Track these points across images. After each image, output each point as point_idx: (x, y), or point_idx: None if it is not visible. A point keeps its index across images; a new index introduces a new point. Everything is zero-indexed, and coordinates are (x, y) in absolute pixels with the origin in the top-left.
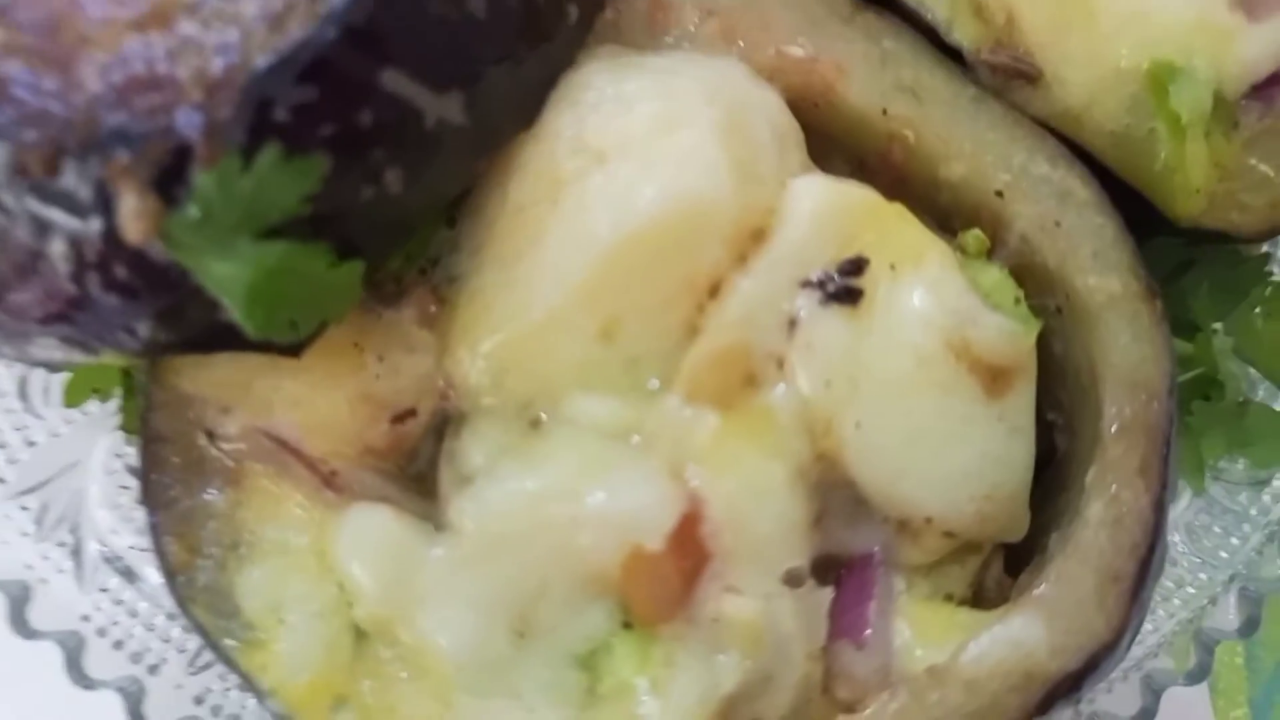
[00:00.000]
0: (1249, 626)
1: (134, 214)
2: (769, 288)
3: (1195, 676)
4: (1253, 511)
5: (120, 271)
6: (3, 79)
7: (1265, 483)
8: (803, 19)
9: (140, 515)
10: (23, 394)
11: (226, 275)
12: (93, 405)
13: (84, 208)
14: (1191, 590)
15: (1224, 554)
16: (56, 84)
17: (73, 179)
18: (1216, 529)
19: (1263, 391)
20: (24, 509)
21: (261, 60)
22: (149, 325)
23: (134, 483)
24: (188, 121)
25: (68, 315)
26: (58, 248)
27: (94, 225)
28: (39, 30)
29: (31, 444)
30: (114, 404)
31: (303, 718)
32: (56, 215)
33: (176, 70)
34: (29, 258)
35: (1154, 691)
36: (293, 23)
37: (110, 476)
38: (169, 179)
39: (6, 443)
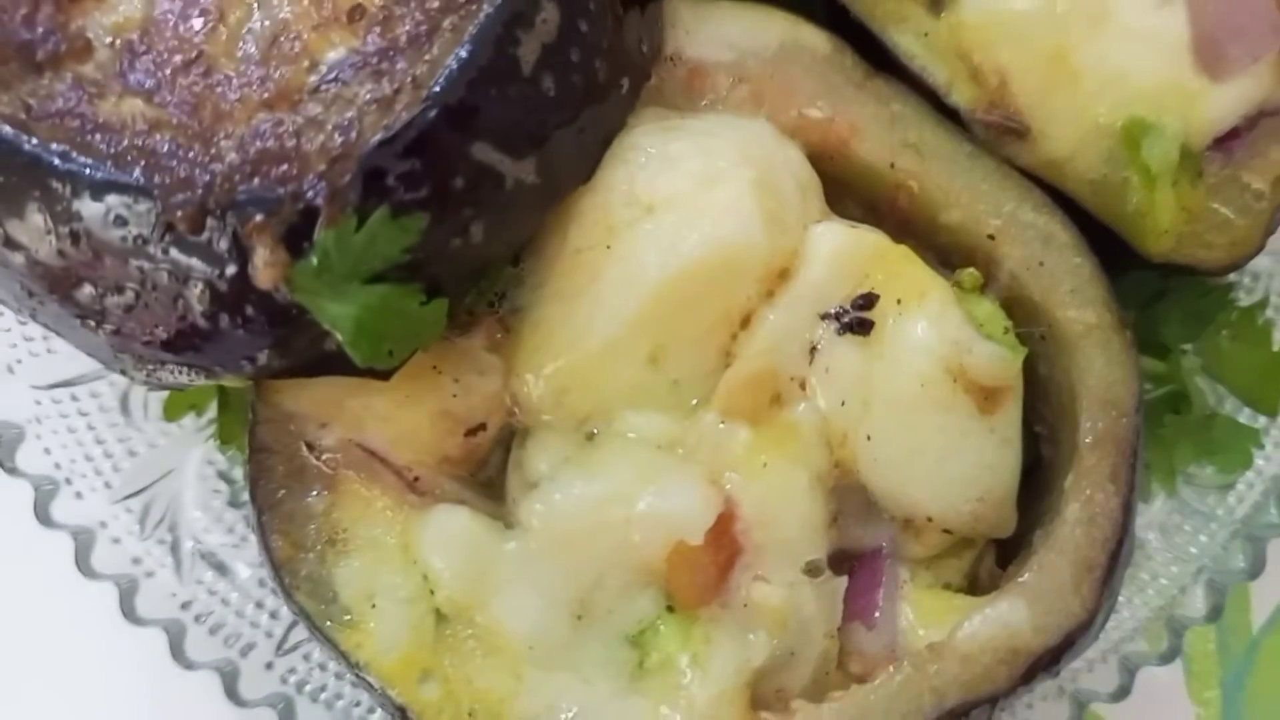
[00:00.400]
0: (1214, 613)
1: (265, 264)
2: (793, 320)
3: (1167, 658)
4: (1219, 512)
5: (248, 310)
6: (154, 151)
7: (1230, 486)
8: (821, 85)
9: (230, 516)
10: (125, 409)
11: (339, 314)
12: (186, 419)
13: (221, 258)
14: (1164, 581)
15: (1193, 549)
16: (200, 155)
17: (213, 235)
18: (1187, 527)
19: (1229, 405)
20: (129, 511)
21: (375, 137)
22: (266, 354)
23: (224, 487)
24: (313, 188)
25: (199, 347)
26: (195, 290)
27: (229, 272)
28: (183, 109)
29: (133, 454)
30: (206, 418)
31: (394, 688)
32: (196, 264)
33: (303, 144)
34: (170, 299)
35: (1129, 671)
36: (399, 105)
37: (203, 482)
38: (295, 235)
39: (111, 453)
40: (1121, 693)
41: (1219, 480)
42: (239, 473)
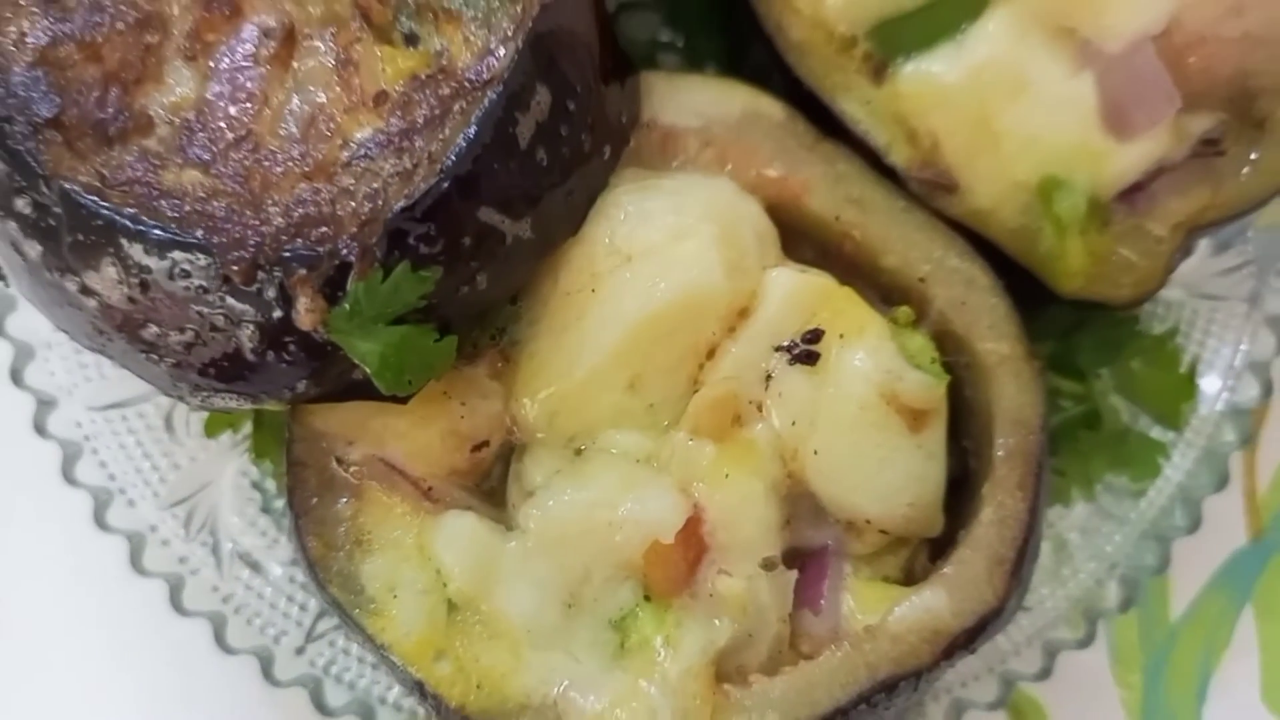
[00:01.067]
0: (1126, 604)
1: (306, 310)
2: (751, 352)
3: (1084, 643)
4: (1131, 516)
5: (291, 348)
6: (212, 215)
7: (1142, 493)
8: (777, 147)
9: (262, 521)
10: (169, 427)
11: (367, 350)
12: (224, 436)
13: (269, 305)
14: (1083, 576)
15: (1109, 548)
16: (251, 219)
17: (262, 286)
18: (1104, 529)
19: (1141, 422)
20: (174, 517)
21: (397, 204)
22: (304, 383)
23: (257, 496)
24: (347, 247)
25: (247, 378)
26: (246, 331)
27: (275, 316)
28: (236, 179)
29: (177, 467)
30: (241, 435)
31: (413, 666)
32: (248, 309)
33: (337, 210)
34: (225, 338)
35: (1050, 654)
36: (418, 176)
37: (238, 491)
38: (332, 285)
39: (158, 466)
40: (1044, 673)
41: (1132, 488)
42: (270, 483)
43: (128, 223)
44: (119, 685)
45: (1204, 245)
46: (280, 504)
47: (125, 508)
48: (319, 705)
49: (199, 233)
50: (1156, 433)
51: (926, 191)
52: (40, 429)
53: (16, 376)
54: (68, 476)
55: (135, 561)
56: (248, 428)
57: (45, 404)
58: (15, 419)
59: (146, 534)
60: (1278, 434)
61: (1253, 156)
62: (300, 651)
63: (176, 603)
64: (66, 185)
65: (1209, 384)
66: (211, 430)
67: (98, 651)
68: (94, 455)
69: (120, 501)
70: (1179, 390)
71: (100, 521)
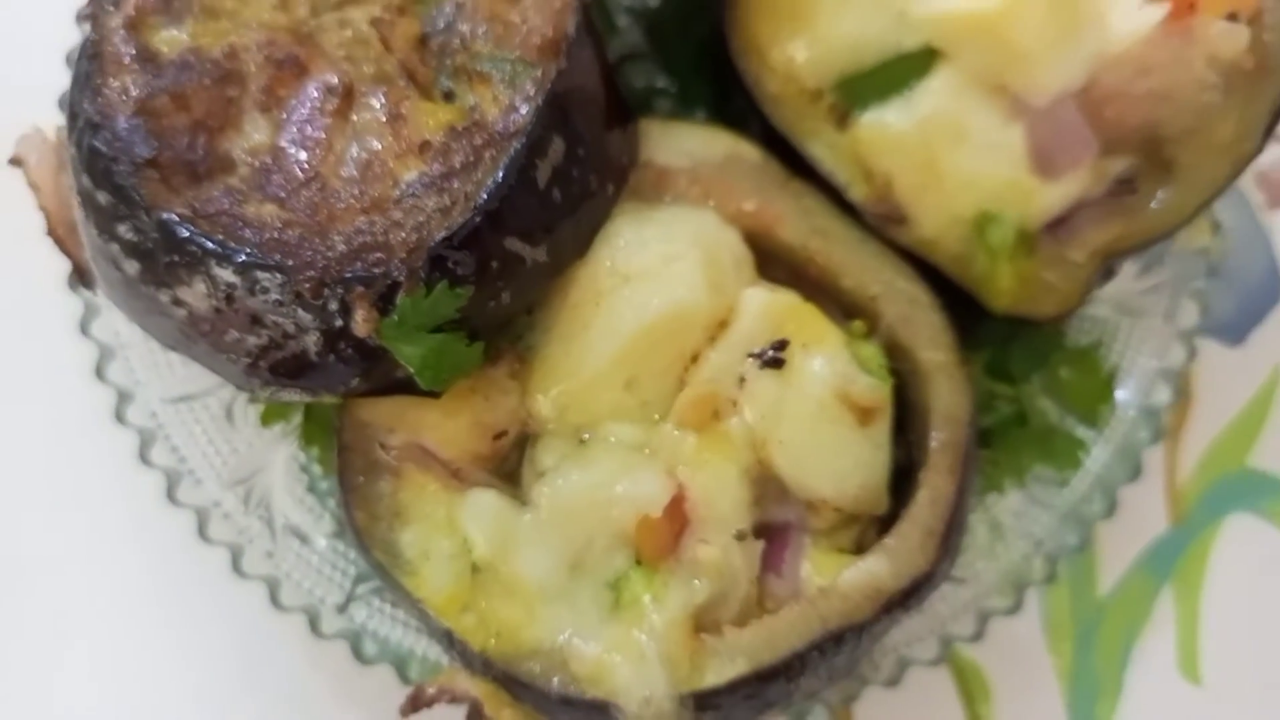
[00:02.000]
0: (1049, 577)
1: (362, 320)
2: (729, 358)
3: (1012, 610)
4: (1056, 502)
5: (348, 351)
6: (286, 242)
7: (1066, 483)
8: (754, 185)
9: (309, 499)
10: (229, 418)
11: (410, 353)
12: (277, 426)
13: (332, 316)
14: (1014, 553)
15: (1036, 529)
16: (319, 245)
17: (327, 300)
18: (1032, 513)
19: (1066, 421)
20: (234, 494)
21: (439, 235)
22: (357, 380)
23: (304, 477)
24: (397, 270)
25: (311, 375)
26: (312, 337)
27: (336, 325)
28: (305, 212)
29: (236, 451)
30: (292, 424)
31: (443, 617)
32: (314, 320)
33: (390, 239)
34: (293, 344)
35: (983, 619)
36: (456, 212)
37: (289, 473)
38: (384, 300)
39: (220, 450)
40: (977, 636)
41: (1056, 478)
42: (315, 467)
43: (216, 248)
44: (188, 641)
45: (1129, 267)
46: (324, 484)
47: (193, 486)
48: (358, 655)
49: (275, 257)
50: (1079, 431)
51: (880, 223)
52: (120, 418)
53: (100, 372)
54: (144, 459)
55: (202, 532)
56: (297, 418)
57: (124, 397)
58: (98, 409)
59: (211, 509)
60: (1196, 435)
61: (1160, 195)
62: (341, 610)
63: (237, 567)
64: (163, 215)
65: (1128, 389)
66: (266, 420)
67: (167, 612)
68: (166, 441)
69: (188, 481)
70: (1099, 394)
71: (171, 497)
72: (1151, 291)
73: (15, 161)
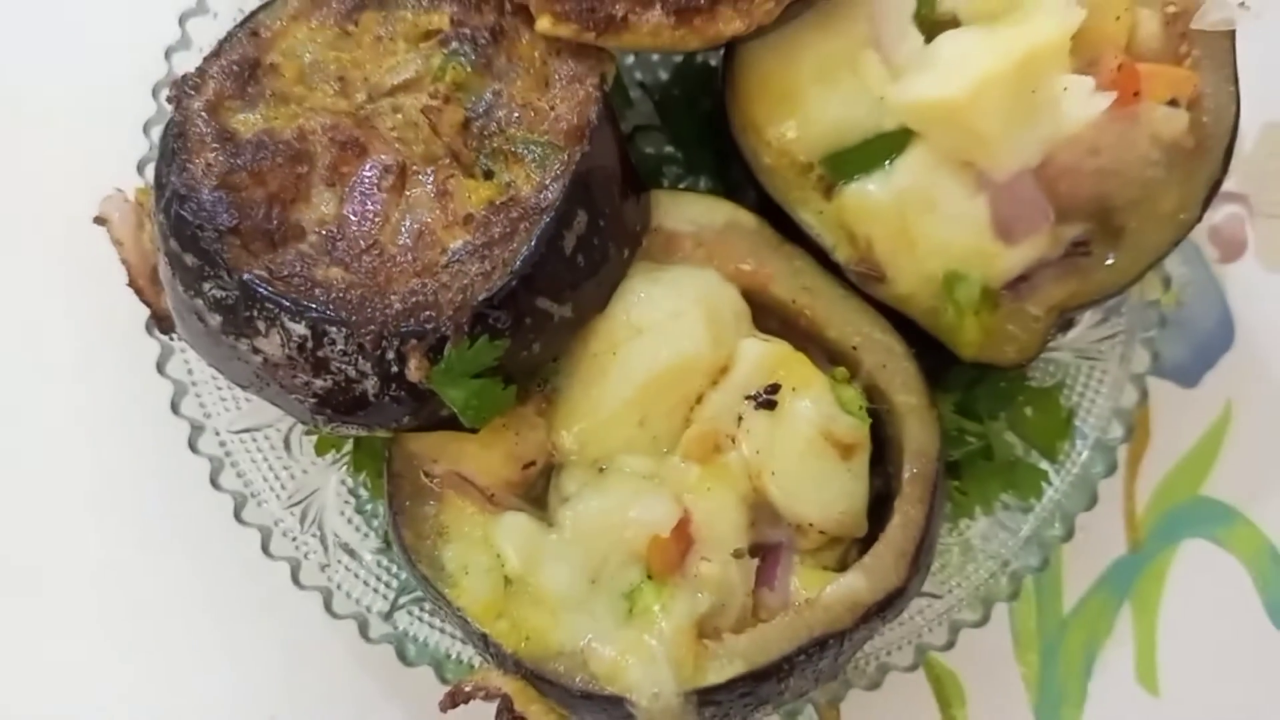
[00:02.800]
0: (1014, 594)
1: (415, 367)
2: (728, 400)
3: (980, 623)
4: (1021, 526)
5: (401, 394)
6: (350, 301)
7: (1029, 509)
8: (750, 248)
9: (357, 519)
10: (287, 447)
11: (455, 396)
12: (329, 454)
13: (389, 364)
14: (982, 571)
15: (1003, 551)
16: (378, 303)
17: (385, 350)
18: (999, 536)
19: (1031, 455)
20: (292, 514)
21: (480, 296)
22: (408, 418)
23: (353, 500)
24: (445, 325)
25: (369, 413)
26: (370, 382)
27: (393, 372)
28: (365, 274)
29: (294, 477)
30: (343, 453)
31: (479, 623)
32: (372, 367)
33: (439, 299)
34: (354, 387)
35: (954, 630)
36: (495, 276)
37: (339, 496)
38: (434, 351)
39: (279, 476)
40: (949, 645)
41: (1021, 505)
42: (363, 491)
43: (290, 305)
44: (254, 645)
45: (1088, 317)
46: (370, 506)
47: (256, 508)
48: (401, 657)
49: (341, 314)
50: (1040, 463)
51: (861, 281)
52: (193, 447)
53: (175, 407)
54: (214, 484)
55: (265, 548)
56: (347, 448)
57: (196, 428)
58: (174, 440)
59: (273, 527)
60: (1154, 467)
61: (1111, 257)
62: (387, 618)
63: (296, 580)
64: (244, 276)
65: (1086, 426)
66: (320, 450)
67: (235, 619)
68: (233, 468)
69: (253, 503)
70: (1058, 431)
71: (238, 518)
72: (1108, 339)
73: (100, 220)
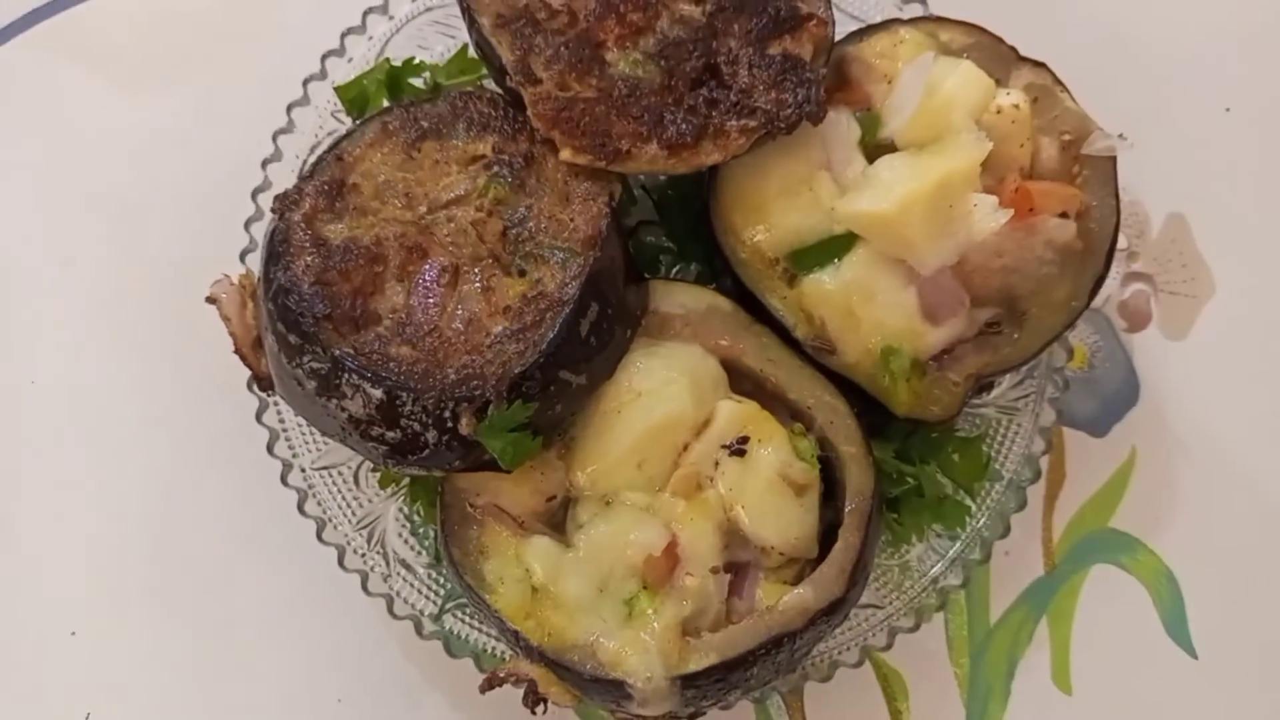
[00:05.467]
0: (941, 606)
1: (466, 424)
2: (708, 449)
3: (913, 629)
4: (948, 550)
5: (454, 444)
6: (415, 372)
7: (955, 537)
8: (727, 327)
9: (412, 540)
10: (356, 481)
11: (496, 445)
12: (390, 487)
13: (445, 421)
14: (915, 587)
15: (932, 570)
16: (437, 374)
17: (443, 410)
18: (930, 558)
19: (957, 493)
20: (361, 535)
21: (516, 369)
22: (458, 462)
23: (409, 524)
24: (490, 392)
25: (428, 457)
26: (431, 434)
27: (448, 427)
28: (427, 352)
29: (361, 506)
30: (401, 486)
31: (512, 620)
32: (433, 423)
33: (484, 371)
34: (418, 438)
35: (892, 634)
36: (528, 354)
37: (398, 521)
38: (480, 411)
39: (350, 504)
40: (888, 646)
41: (948, 533)
42: (417, 517)
43: (370, 375)
44: (330, 642)
45: (1008, 379)
46: (422, 530)
47: (333, 530)
48: (448, 651)
49: (410, 383)
50: (965, 500)
51: (816, 353)
52: (284, 481)
53: (269, 449)
54: (301, 511)
55: (340, 563)
56: (405, 483)
57: (286, 466)
58: (268, 475)
59: (346, 546)
60: (1068, 503)
61: (1016, 335)
62: (436, 619)
63: (364, 588)
64: (335, 352)
65: (1002, 469)
66: (383, 484)
67: (315, 621)
68: (314, 498)
69: (330, 527)
70: (979, 473)
71: (319, 538)
72: (1023, 398)
73: (210, 299)
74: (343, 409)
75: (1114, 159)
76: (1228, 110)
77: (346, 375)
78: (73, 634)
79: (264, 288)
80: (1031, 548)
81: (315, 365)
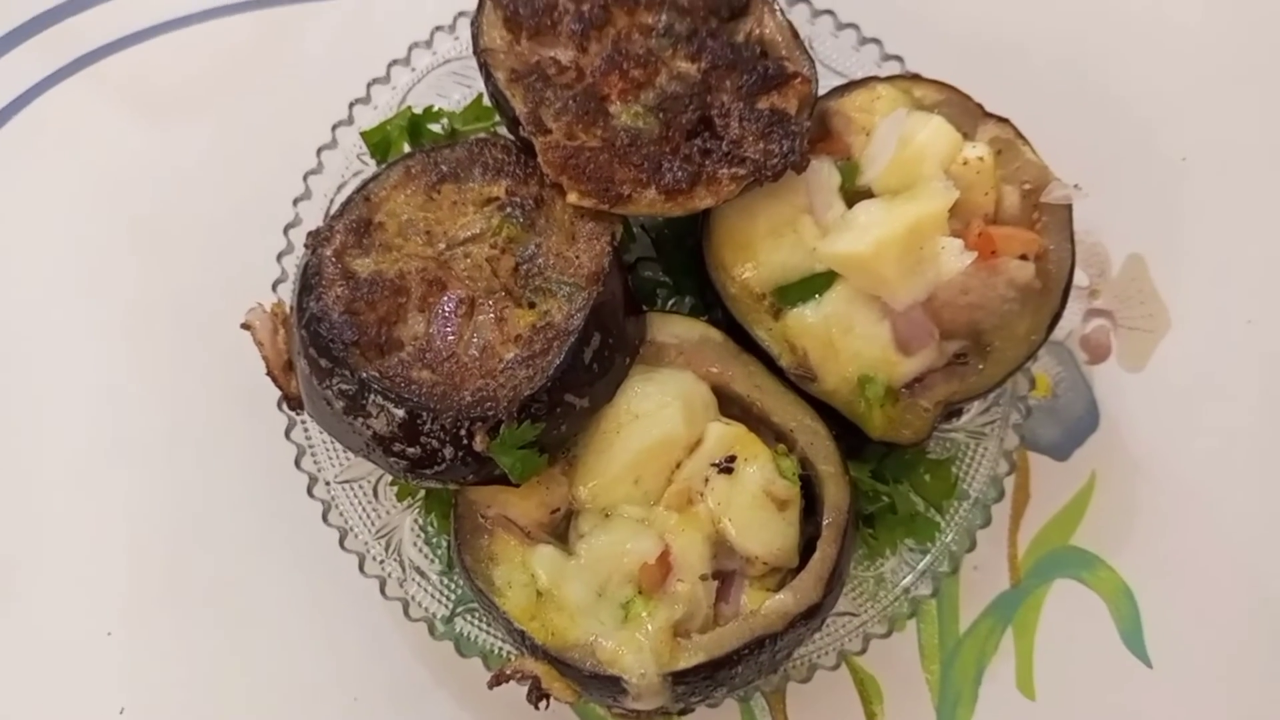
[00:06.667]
0: (912, 614)
1: (480, 442)
2: (699, 466)
3: (886, 636)
4: (919, 564)
5: (469, 459)
6: (434, 394)
7: (925, 551)
8: (717, 356)
9: (425, 549)
10: (375, 494)
11: (506, 461)
12: (406, 500)
13: (460, 439)
14: (889, 597)
15: (904, 581)
16: (454, 395)
17: (459, 429)
18: (902, 570)
19: (930, 511)
20: (379, 543)
21: (526, 392)
22: (472, 476)
23: (423, 534)
24: (502, 413)
25: (445, 471)
26: (448, 450)
27: (464, 444)
28: (445, 376)
29: (380, 517)
30: (417, 499)
31: (518, 621)
32: (450, 440)
33: (497, 393)
34: (436, 454)
35: (866, 640)
36: (536, 378)
37: (413, 531)
38: (493, 430)
39: (370, 515)
40: (863, 650)
41: (919, 548)
42: (430, 528)
43: (394, 396)
44: (349, 643)
45: (976, 406)
46: (435, 539)
47: (354, 539)
48: (459, 651)
49: (429, 404)
50: (934, 516)
51: (798, 380)
52: (310, 494)
53: (297, 463)
54: (325, 520)
55: (361, 569)
56: (420, 496)
57: (312, 480)
58: (294, 488)
59: (365, 553)
60: (1032, 522)
61: (982, 366)
62: (447, 622)
63: (382, 592)
64: (362, 375)
65: (970, 489)
66: (400, 496)
67: (337, 622)
68: (337, 509)
69: (351, 535)
70: (948, 492)
71: (342, 546)
72: (989, 423)
73: (245, 326)
74: (368, 427)
75: (1070, 206)
76: (1184, 160)
77: (372, 396)
78: (109, 634)
79: (298, 316)
80: (998, 563)
81: (344, 387)
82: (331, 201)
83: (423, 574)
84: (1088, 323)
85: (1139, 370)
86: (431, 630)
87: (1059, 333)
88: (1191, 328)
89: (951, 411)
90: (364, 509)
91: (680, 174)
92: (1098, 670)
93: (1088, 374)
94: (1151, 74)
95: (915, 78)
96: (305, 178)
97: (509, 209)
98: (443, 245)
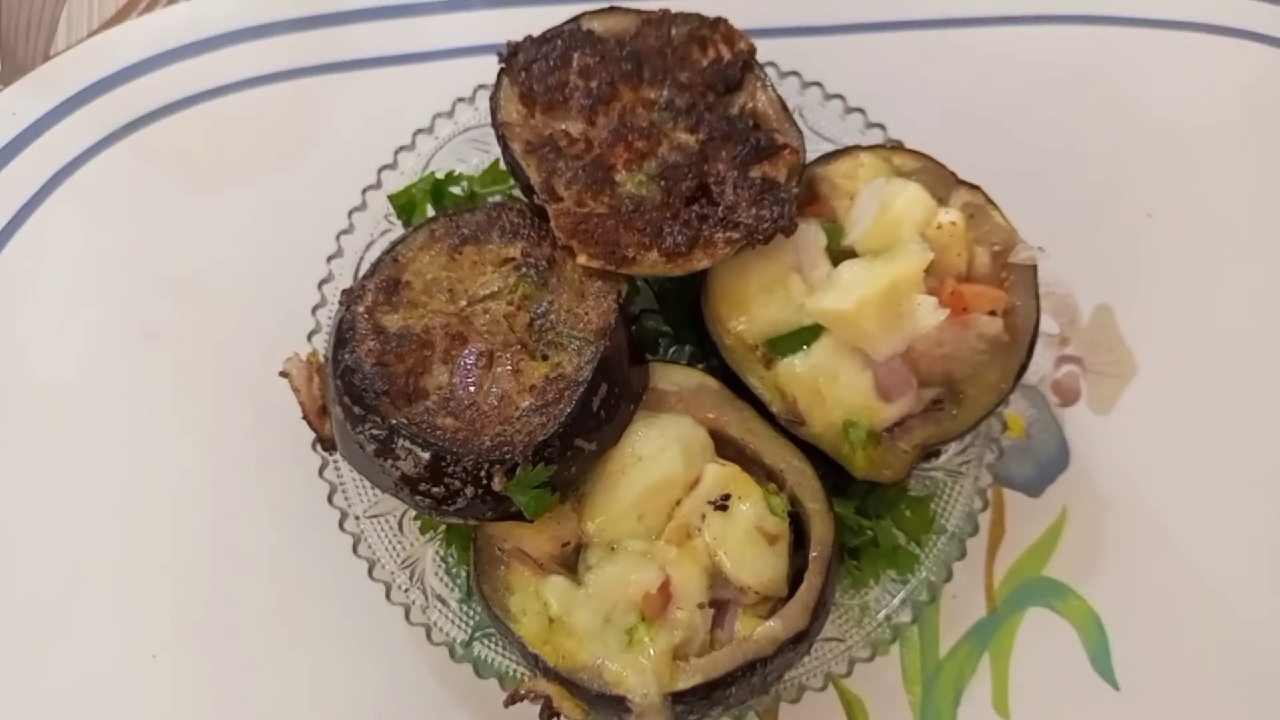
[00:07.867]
0: (893, 639)
1: (499, 482)
2: (697, 504)
3: (870, 660)
4: (900, 592)
5: (488, 498)
6: (456, 438)
7: (906, 581)
8: (714, 402)
9: (445, 578)
10: (400, 528)
11: (522, 500)
12: (429, 533)
13: (481, 479)
14: (873, 624)
15: (886, 609)
16: (475, 439)
17: (480, 471)
18: (884, 599)
19: (911, 545)
20: (404, 573)
21: (540, 438)
22: (490, 513)
23: (444, 564)
24: (518, 457)
25: (466, 509)
26: (469, 490)
27: (483, 484)
28: (468, 425)
29: (404, 549)
30: (439, 532)
31: (532, 646)
32: (470, 481)
33: (513, 438)
34: (458, 493)
35: (851, 663)
36: (549, 425)
37: (435, 562)
38: (510, 472)
39: (395, 547)
40: (849, 673)
41: (900, 578)
42: (451, 558)
43: (421, 441)
44: (377, 665)
45: (953, 447)
46: (456, 569)
47: (381, 569)
48: (477, 672)
49: (453, 448)
50: (914, 549)
51: (788, 425)
52: (341, 527)
53: (330, 499)
54: (355, 552)
55: (388, 597)
56: (441, 529)
57: (343, 514)
58: (326, 522)
59: (391, 582)
60: (1007, 554)
61: (956, 411)
62: (466, 646)
63: (407, 618)
64: (392, 421)
65: (947, 523)
66: (423, 530)
67: (368, 646)
68: (365, 541)
69: (378, 566)
70: (927, 526)
71: (371, 576)
72: (964, 463)
73: (283, 374)
74: (396, 468)
75: (1035, 266)
76: (1149, 215)
77: (401, 441)
78: (154, 657)
79: (333, 367)
80: (976, 592)
81: (375, 432)
82: (361, 259)
83: (444, 602)
84: (1059, 368)
85: (1107, 413)
86: (452, 654)
87: (1032, 377)
88: (1156, 373)
89: (929, 452)
90: (390, 542)
91: (680, 238)
92: (1068, 692)
93: (1059, 416)
94: (1119, 136)
95: (895, 147)
96: (338, 237)
97: (524, 269)
98: (464, 302)
